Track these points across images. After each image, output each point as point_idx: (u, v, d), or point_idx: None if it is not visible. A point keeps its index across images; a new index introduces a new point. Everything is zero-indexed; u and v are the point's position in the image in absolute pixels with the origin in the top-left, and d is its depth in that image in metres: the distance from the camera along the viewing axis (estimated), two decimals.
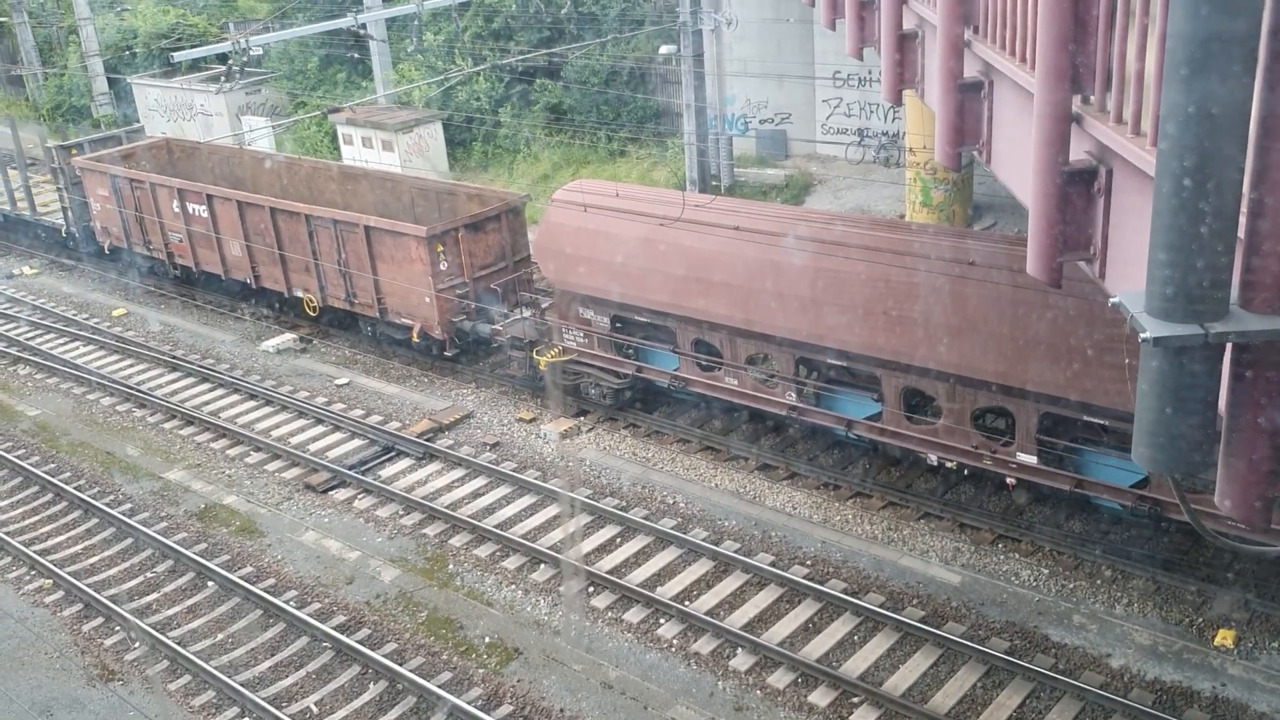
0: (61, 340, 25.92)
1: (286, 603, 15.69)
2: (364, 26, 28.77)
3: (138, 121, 43.11)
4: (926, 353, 15.02)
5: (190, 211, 25.80)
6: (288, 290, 24.44)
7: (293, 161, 28.58)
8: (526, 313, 20.97)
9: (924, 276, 15.01)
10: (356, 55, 37.85)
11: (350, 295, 22.96)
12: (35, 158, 34.37)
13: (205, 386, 22.92)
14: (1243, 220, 4.24)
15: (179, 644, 14.98)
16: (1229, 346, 4.41)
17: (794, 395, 17.19)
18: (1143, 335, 4.28)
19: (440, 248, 20.97)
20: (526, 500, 17.86)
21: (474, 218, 21.70)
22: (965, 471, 16.12)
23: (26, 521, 18.67)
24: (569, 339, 19.81)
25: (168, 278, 27.98)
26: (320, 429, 20.79)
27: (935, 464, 16.02)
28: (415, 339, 22.03)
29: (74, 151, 29.11)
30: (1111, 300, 4.67)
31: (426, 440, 19.68)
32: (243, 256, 24.96)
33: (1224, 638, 13.51)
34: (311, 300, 24.00)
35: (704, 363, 18.33)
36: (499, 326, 20.84)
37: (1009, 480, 15.29)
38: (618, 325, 19.25)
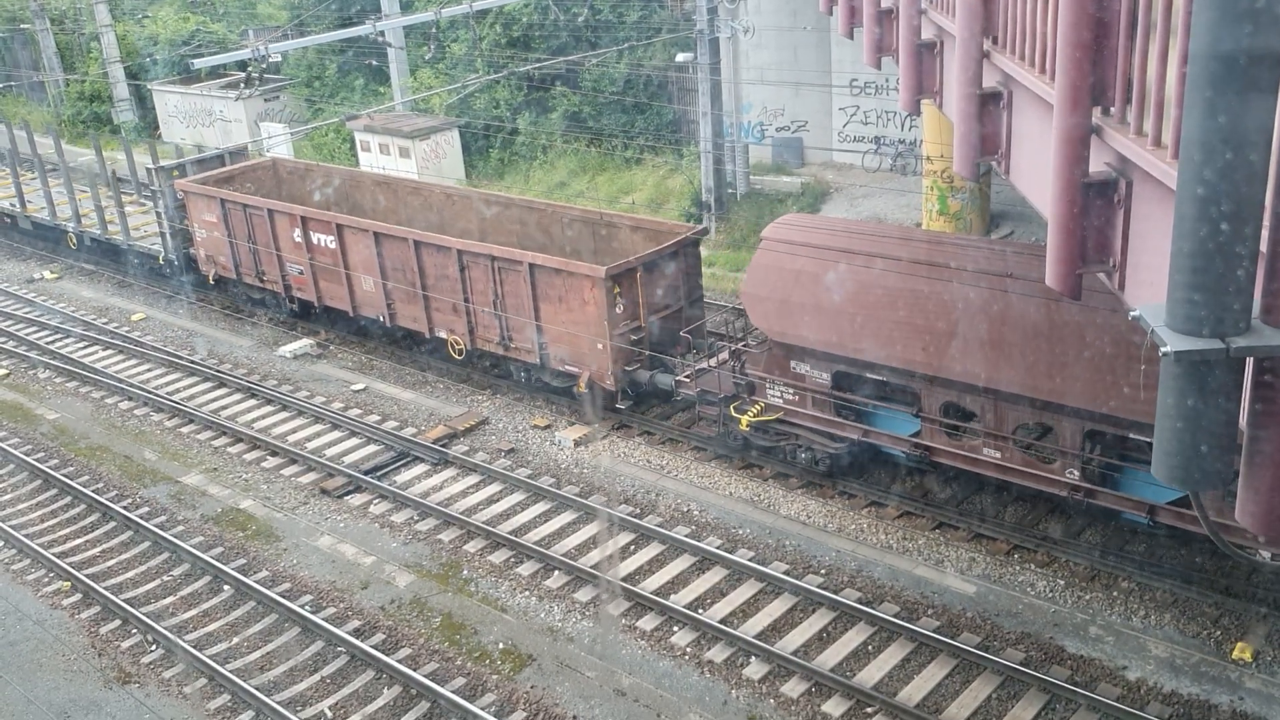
0: (81, 344, 26.09)
1: (302, 607, 15.74)
2: (382, 34, 28.88)
3: (157, 127, 43.59)
4: None
5: (314, 241, 23.54)
6: (429, 331, 22.05)
7: (421, 186, 26.10)
8: (716, 362, 18.50)
9: None
10: (374, 62, 38.06)
11: (505, 339, 20.63)
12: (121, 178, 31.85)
13: (223, 391, 23.04)
14: (1265, 233, 4.22)
15: (195, 647, 15.05)
16: (1250, 361, 4.39)
17: (1076, 473, 14.77)
18: (1163, 349, 4.26)
19: (617, 289, 18.93)
20: (541, 507, 17.88)
21: (654, 254, 19.46)
22: None
23: (45, 524, 18.79)
24: (774, 395, 17.48)
25: (282, 312, 25.95)
26: (336, 434, 20.87)
27: (1269, 559, 13.46)
28: (581, 389, 19.84)
29: (175, 173, 27.05)
30: (1132, 313, 4.65)
31: (442, 446, 19.73)
32: (376, 292, 22.68)
33: (1242, 651, 13.41)
34: (458, 343, 21.69)
35: (952, 430, 15.99)
36: (684, 378, 18.67)
37: None
38: (840, 382, 16.88)
